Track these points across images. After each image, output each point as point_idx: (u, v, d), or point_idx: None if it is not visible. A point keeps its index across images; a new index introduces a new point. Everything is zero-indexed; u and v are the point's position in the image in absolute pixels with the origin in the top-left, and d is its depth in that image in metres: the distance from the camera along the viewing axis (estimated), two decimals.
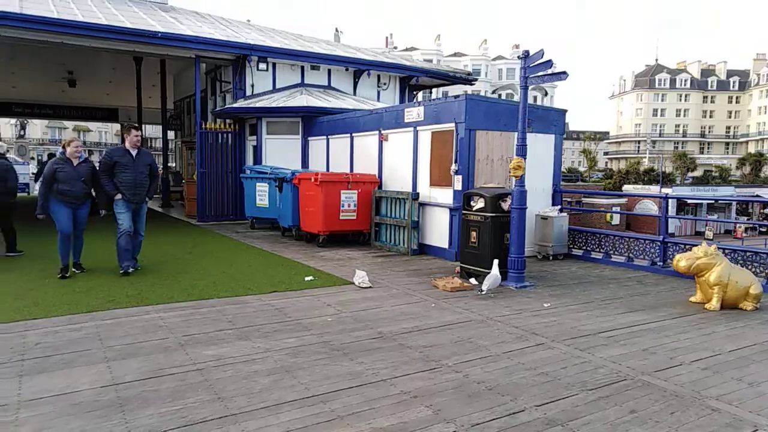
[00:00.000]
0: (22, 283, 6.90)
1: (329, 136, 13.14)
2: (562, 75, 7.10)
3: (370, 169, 11.27)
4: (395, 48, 62.93)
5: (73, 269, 7.55)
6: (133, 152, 7.54)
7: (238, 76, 14.64)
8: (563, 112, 10.61)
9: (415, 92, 19.13)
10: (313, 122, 13.81)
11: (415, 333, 5.15)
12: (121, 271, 7.42)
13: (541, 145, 9.70)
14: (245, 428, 3.21)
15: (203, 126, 14.28)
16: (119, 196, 7.40)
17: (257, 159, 14.27)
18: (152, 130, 37.68)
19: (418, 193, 9.88)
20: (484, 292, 6.66)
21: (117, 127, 32.33)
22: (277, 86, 15.13)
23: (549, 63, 6.95)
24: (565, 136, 11.00)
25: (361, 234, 10.80)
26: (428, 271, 8.22)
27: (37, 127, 63.79)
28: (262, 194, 12.24)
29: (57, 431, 3.13)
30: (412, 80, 17.48)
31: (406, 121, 10.28)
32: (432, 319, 5.66)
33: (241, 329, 5.14)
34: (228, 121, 14.67)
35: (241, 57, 14.43)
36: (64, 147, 7.43)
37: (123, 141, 7.77)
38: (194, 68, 14.42)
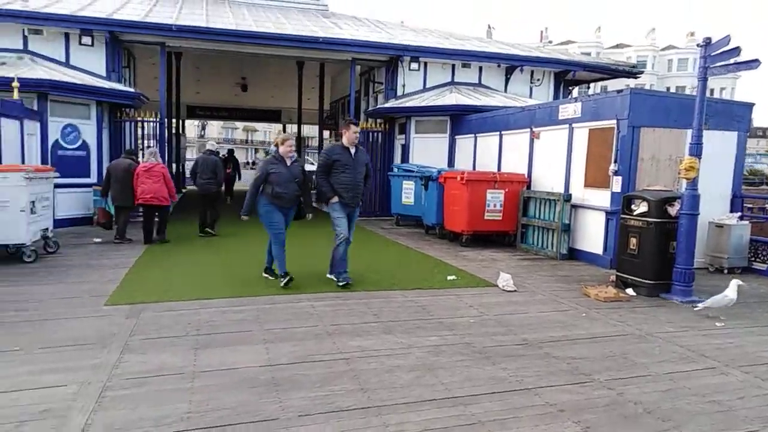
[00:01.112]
0: (203, 266, 7.81)
1: (477, 135, 12.97)
2: (753, 63, 6.20)
3: (518, 168, 10.91)
4: (550, 42, 60.23)
5: (265, 274, 7.12)
6: (352, 150, 6.72)
7: (390, 77, 15.08)
8: (749, 106, 9.29)
9: (570, 88, 18.13)
10: (461, 120, 13.74)
11: (563, 342, 4.86)
12: (342, 284, 6.68)
13: (719, 143, 8.58)
14: (386, 422, 3.27)
15: None
16: (335, 198, 6.66)
17: (404, 157, 14.58)
18: (308, 130, 40.52)
19: (570, 195, 9.34)
20: (698, 308, 5.99)
21: (279, 126, 35.32)
22: (428, 85, 15.30)
23: (736, 50, 6.11)
24: (749, 133, 9.62)
25: (506, 235, 10.51)
26: (578, 278, 7.73)
27: (213, 128, 72.00)
28: (408, 192, 12.47)
29: (223, 401, 3.47)
30: (567, 75, 16.58)
31: (560, 117, 9.77)
32: (581, 329, 5.31)
33: (385, 323, 5.27)
34: (378, 120, 15.18)
35: (394, 58, 14.85)
36: (276, 145, 6.80)
37: (339, 138, 6.98)
38: (350, 70, 15.16)
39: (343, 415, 3.34)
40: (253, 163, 52.03)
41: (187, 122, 33.25)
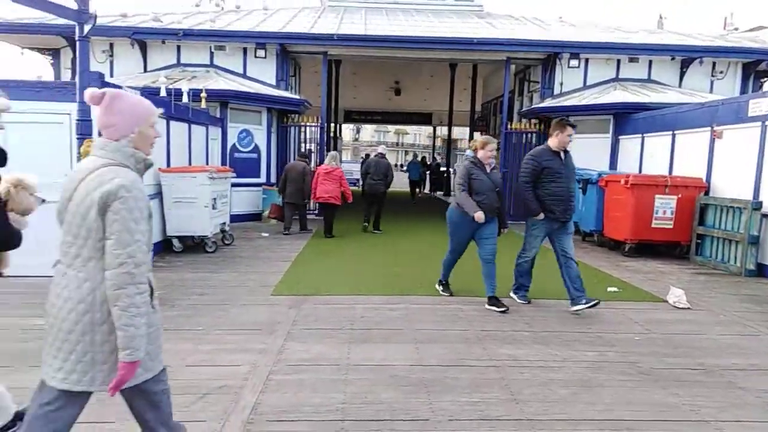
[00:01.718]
0: (360, 263, 8.19)
1: (645, 135, 11.87)
2: None
3: (694, 171, 9.76)
4: (736, 29, 53.21)
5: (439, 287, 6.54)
6: (562, 155, 5.82)
7: (546, 75, 14.45)
8: None
9: (762, 80, 15.81)
10: (626, 119, 12.68)
11: (752, 372, 4.22)
12: (521, 300, 6.13)
13: None
14: None
15: (509, 126, 14.56)
16: (542, 215, 5.73)
17: None
18: (458, 132, 40.53)
19: (760, 202, 8.11)
20: None
21: (429, 129, 35.79)
22: (588, 83, 14.38)
23: None
24: None
25: (677, 246, 9.45)
26: None
27: (367, 131, 75.32)
28: None
29: (375, 396, 3.57)
30: (759, 66, 14.47)
31: (750, 114, 8.53)
32: None
33: (538, 333, 5.03)
34: (533, 121, 14.63)
35: (551, 55, 14.20)
36: (475, 150, 5.92)
37: (547, 140, 6.00)
38: (504, 70, 14.82)
39: (495, 425, 3.23)
40: (402, 166, 53.37)
41: (343, 126, 35.31)
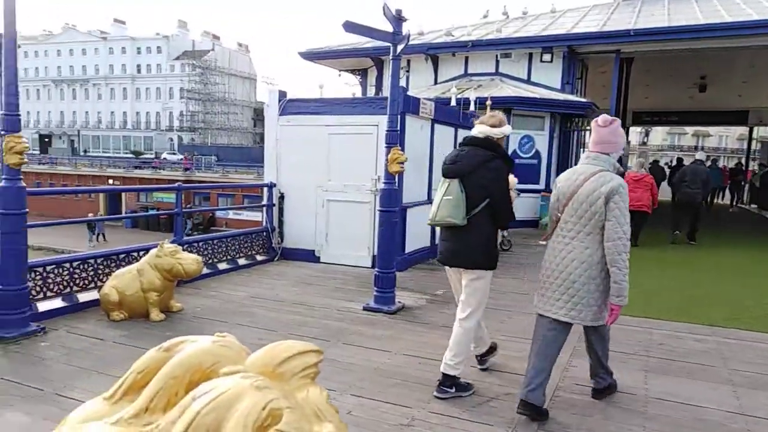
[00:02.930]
0: (663, 280, 7.34)
1: None
2: None
3: None
4: None
5: None
6: None
7: None
8: None
9: None
10: None
11: None
12: None
13: None
14: None
15: None
16: None
17: None
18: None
19: None
20: None
21: (740, 130, 30.07)
22: None
23: None
24: None
25: None
26: None
27: (657, 134, 67.38)
28: None
29: None
30: None
31: None
32: None
33: None
34: None
35: None
36: None
37: None
38: None
39: None
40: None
41: (630, 129, 32.26)
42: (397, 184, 5.69)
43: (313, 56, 17.07)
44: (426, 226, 8.39)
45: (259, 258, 7.84)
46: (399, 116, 5.83)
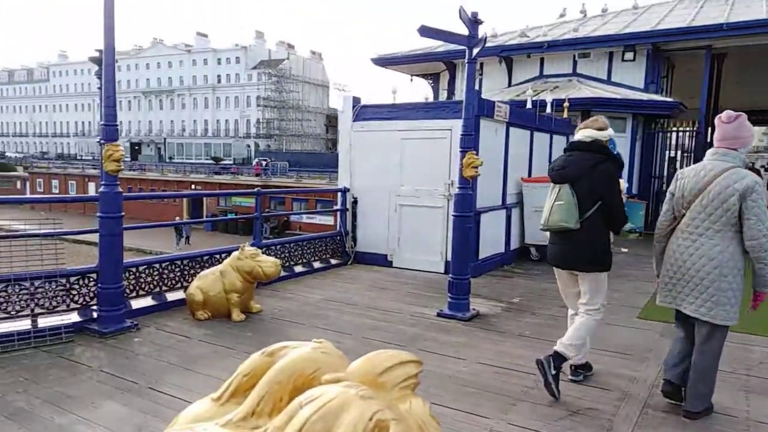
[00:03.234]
0: None
1: None
2: None
3: None
4: None
5: None
6: None
7: None
8: None
9: None
10: None
11: None
12: None
13: None
14: None
15: None
16: None
17: None
18: None
19: None
20: None
21: None
22: None
23: None
24: None
25: None
26: None
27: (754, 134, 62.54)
28: None
29: None
30: None
31: None
32: None
33: None
34: None
35: None
36: None
37: None
38: None
39: None
40: None
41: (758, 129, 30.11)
42: (471, 189, 5.60)
43: (385, 62, 17.22)
44: (500, 232, 8.29)
45: (333, 261, 7.98)
46: (473, 120, 5.74)
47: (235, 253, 5.32)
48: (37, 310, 4.55)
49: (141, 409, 3.30)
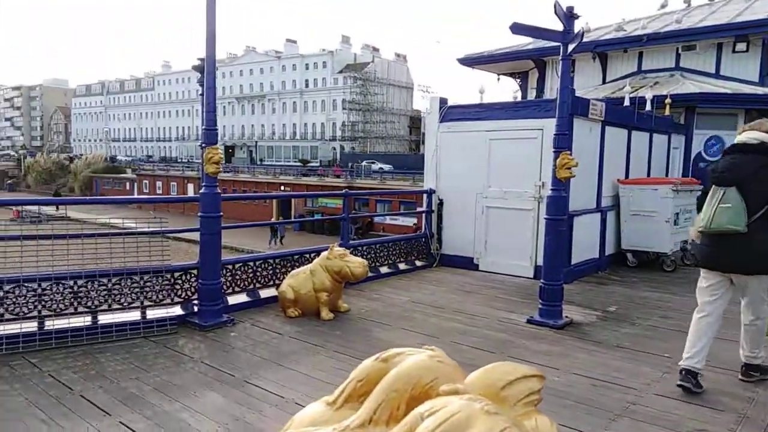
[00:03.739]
0: None
1: None
2: None
3: None
4: None
5: None
6: None
7: None
8: None
9: None
10: None
11: None
12: None
13: None
14: None
15: None
16: None
17: None
18: None
19: None
20: None
21: None
22: None
23: None
24: None
25: None
26: None
27: None
28: None
29: None
30: None
31: None
32: None
33: None
34: None
35: None
36: None
37: None
38: None
39: None
40: None
41: None
42: (565, 191, 5.36)
43: (472, 61, 16.98)
44: (594, 236, 7.88)
45: (418, 263, 7.95)
46: (568, 119, 5.49)
47: (324, 253, 5.44)
48: (146, 303, 4.90)
49: (237, 401, 3.44)
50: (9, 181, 71.38)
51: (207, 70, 5.07)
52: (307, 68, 77.36)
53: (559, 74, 5.28)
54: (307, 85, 77.21)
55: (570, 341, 4.77)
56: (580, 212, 7.35)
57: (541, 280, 5.34)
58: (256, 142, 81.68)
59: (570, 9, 5.13)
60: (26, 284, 4.38)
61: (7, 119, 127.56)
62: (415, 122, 74.53)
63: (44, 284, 4.46)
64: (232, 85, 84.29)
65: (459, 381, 1.50)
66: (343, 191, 7.60)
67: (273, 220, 35.60)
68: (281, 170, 51.39)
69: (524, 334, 4.93)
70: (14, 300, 4.34)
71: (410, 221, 29.42)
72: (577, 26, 5.22)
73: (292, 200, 39.92)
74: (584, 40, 5.37)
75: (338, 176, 42.63)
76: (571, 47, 5.16)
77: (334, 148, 71.41)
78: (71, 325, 4.45)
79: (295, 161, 70.71)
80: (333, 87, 74.00)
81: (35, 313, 4.42)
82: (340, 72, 73.76)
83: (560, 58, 5.27)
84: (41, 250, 4.50)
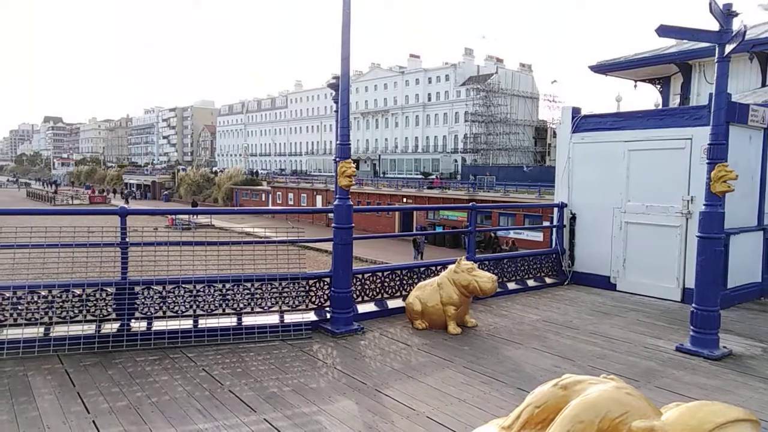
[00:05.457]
0: None
1: None
2: None
3: None
4: None
5: None
6: None
7: None
8: None
9: None
10: None
11: None
12: None
13: None
14: None
15: None
16: None
17: None
18: None
19: None
20: None
21: None
22: None
23: None
24: None
25: None
26: None
27: None
28: None
29: None
30: None
31: None
32: None
33: None
34: None
35: None
36: None
37: None
38: None
39: None
40: None
41: None
42: (721, 207, 4.81)
43: (605, 68, 16.02)
44: (755, 257, 7.01)
45: (548, 280, 7.61)
46: (724, 127, 4.95)
47: (451, 266, 5.39)
48: (284, 308, 5.19)
49: (369, 409, 3.50)
50: (165, 192, 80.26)
51: (342, 87, 5.32)
52: (429, 82, 78.19)
53: (709, 78, 4.81)
54: (429, 99, 77.99)
55: (730, 375, 4.24)
56: (737, 230, 6.57)
57: (693, 305, 4.83)
58: (380, 155, 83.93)
59: (727, 6, 4.65)
60: (184, 285, 4.86)
61: (164, 137, 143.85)
62: (541, 133, 71.83)
63: (198, 286, 4.91)
64: (358, 100, 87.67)
65: (652, 417, 1.37)
66: (470, 204, 7.51)
67: (396, 231, 36.18)
68: (404, 182, 52.27)
69: (673, 364, 4.48)
70: (174, 299, 4.83)
71: (538, 236, 28.36)
72: (735, 25, 4.70)
73: (414, 212, 40.38)
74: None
75: (432, 187, 43.77)
76: (729, 48, 4.67)
77: (456, 161, 71.18)
78: (220, 324, 4.84)
79: (417, 174, 71.56)
80: (455, 99, 73.97)
81: (191, 312, 4.88)
82: (463, 84, 73.56)
83: (716, 60, 4.78)
84: (193, 255, 4.96)
